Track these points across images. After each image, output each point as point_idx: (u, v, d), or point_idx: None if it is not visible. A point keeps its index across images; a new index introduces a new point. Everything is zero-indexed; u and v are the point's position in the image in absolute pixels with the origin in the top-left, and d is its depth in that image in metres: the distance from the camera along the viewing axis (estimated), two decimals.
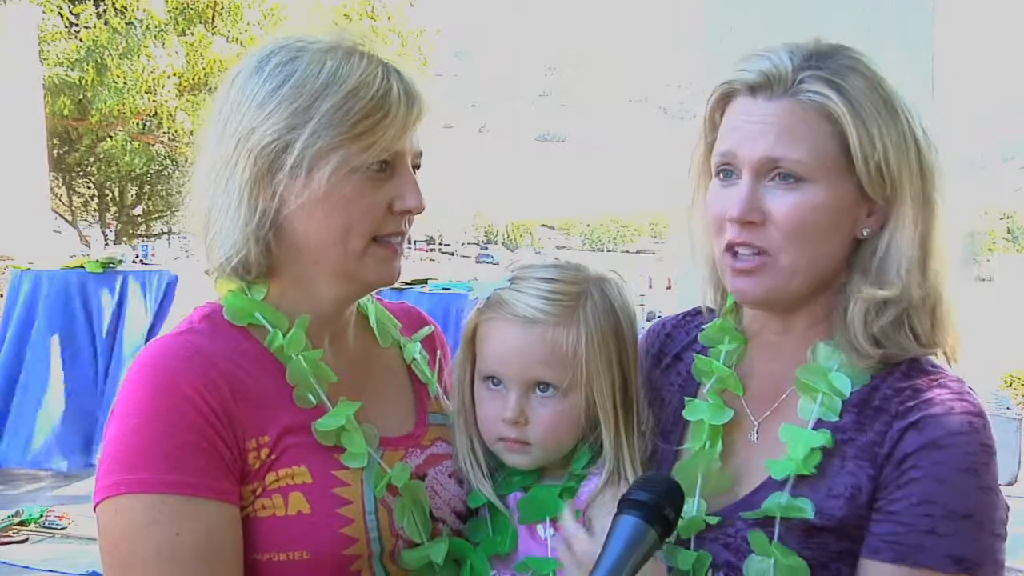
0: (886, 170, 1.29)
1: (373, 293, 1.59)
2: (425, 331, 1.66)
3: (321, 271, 1.40)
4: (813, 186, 1.28)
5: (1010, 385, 9.35)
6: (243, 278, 1.40)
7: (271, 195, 1.34)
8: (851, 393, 1.33)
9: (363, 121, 1.33)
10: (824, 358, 1.36)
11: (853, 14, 3.07)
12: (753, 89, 1.31)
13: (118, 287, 6.32)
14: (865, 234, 1.34)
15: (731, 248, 1.33)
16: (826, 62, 1.30)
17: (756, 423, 1.42)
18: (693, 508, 1.39)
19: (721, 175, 1.35)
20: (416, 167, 1.44)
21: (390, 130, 1.34)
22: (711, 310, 1.53)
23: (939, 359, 1.36)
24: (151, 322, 6.36)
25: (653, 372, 1.60)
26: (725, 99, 1.37)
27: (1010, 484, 6.04)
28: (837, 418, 1.32)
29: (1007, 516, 1.26)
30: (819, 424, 1.33)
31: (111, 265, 6.37)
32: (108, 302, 6.28)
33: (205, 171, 1.39)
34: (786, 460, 1.32)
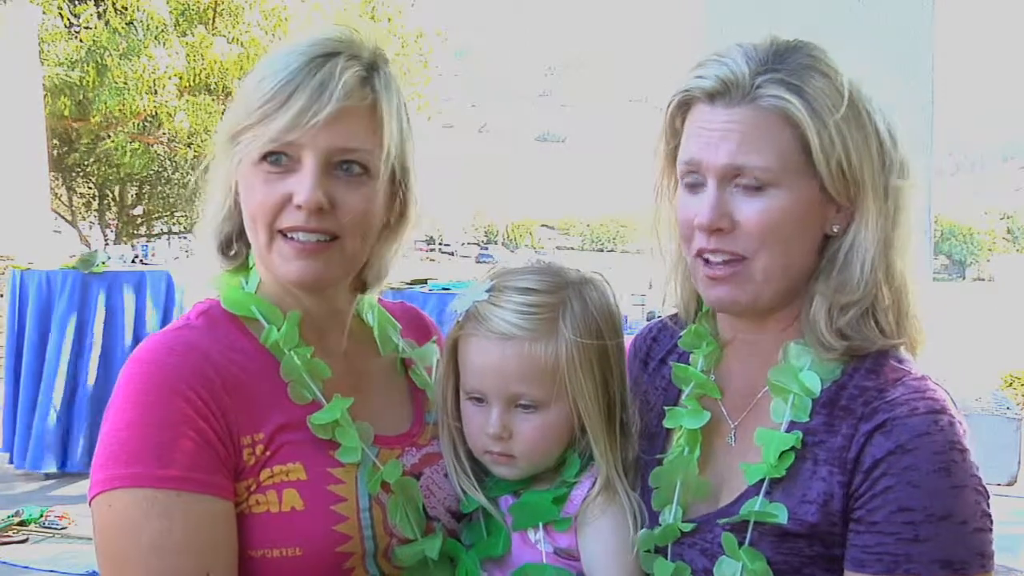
0: (848, 168, 1.27)
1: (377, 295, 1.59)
2: (430, 352, 1.63)
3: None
4: (778, 191, 1.27)
5: (1010, 385, 9.35)
6: (225, 254, 1.45)
7: (231, 185, 1.41)
8: (821, 391, 1.31)
9: (258, 110, 1.33)
10: (795, 357, 1.34)
11: (852, 15, 3.08)
12: (712, 96, 1.29)
13: (118, 287, 6.32)
14: (835, 231, 1.33)
15: (701, 255, 1.32)
16: (784, 63, 1.28)
17: (733, 426, 1.42)
18: (670, 515, 1.38)
19: (687, 182, 1.34)
20: (347, 163, 1.35)
21: (279, 120, 1.30)
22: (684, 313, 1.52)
23: (905, 353, 1.35)
24: (150, 321, 6.36)
25: (641, 376, 1.60)
26: (684, 106, 1.35)
27: (1010, 484, 6.03)
28: (807, 418, 1.31)
29: (988, 505, 1.24)
30: (791, 426, 1.32)
31: (93, 263, 6.34)
32: (107, 302, 6.28)
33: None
34: (759, 464, 1.31)
